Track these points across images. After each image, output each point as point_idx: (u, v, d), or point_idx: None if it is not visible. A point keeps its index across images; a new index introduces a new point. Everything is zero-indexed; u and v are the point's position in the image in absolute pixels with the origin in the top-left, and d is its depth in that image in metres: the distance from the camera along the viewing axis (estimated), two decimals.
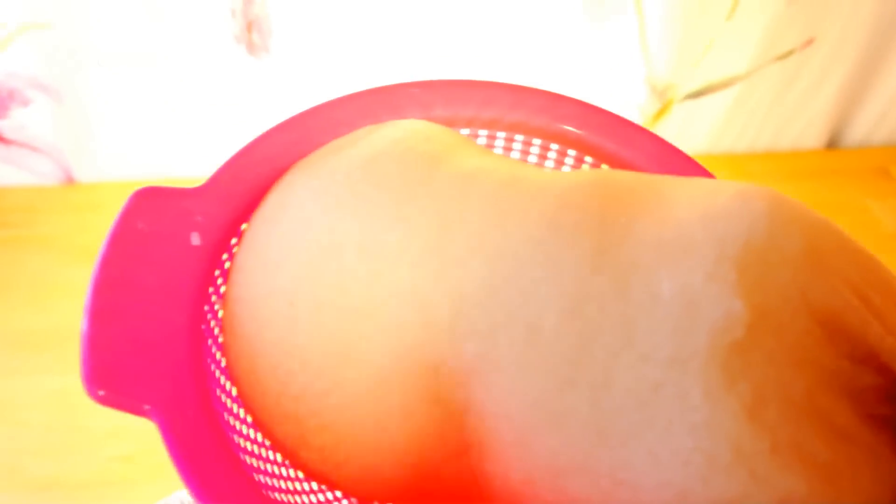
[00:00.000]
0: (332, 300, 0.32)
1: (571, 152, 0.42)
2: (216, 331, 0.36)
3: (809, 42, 0.72)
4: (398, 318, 0.31)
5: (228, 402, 0.35)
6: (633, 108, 0.73)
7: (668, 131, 0.77)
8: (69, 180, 0.73)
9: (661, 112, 0.75)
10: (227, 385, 0.36)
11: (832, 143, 0.84)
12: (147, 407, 0.31)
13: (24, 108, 0.67)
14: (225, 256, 0.37)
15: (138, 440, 0.56)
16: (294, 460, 0.34)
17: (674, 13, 0.67)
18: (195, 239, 0.36)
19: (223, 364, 0.36)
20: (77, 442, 0.56)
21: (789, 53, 0.73)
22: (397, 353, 0.31)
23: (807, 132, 0.81)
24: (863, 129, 0.82)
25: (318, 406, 0.33)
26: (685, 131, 0.78)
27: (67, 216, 0.69)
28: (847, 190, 0.77)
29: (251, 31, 0.64)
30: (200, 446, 0.31)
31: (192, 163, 0.72)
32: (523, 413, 0.30)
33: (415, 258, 0.32)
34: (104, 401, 0.31)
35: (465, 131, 0.42)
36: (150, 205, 0.36)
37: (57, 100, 0.67)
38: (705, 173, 0.38)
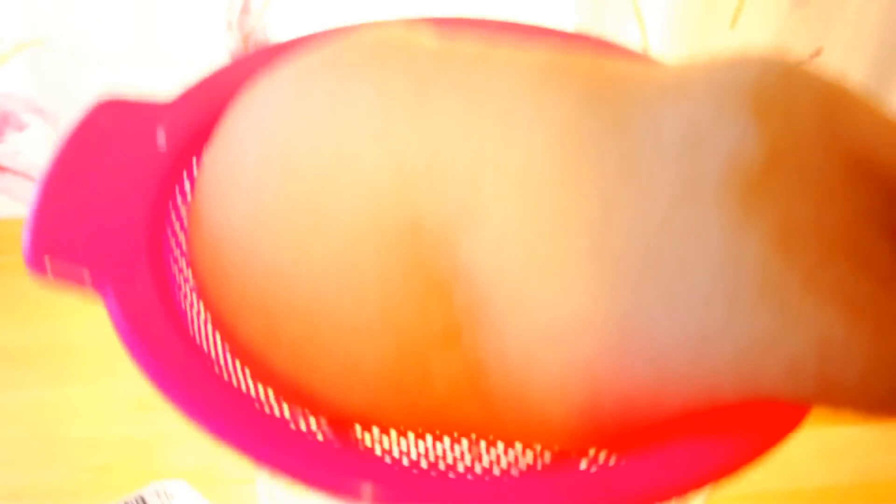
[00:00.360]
0: (302, 165, 0.29)
1: None
2: (180, 237, 0.33)
3: (818, 52, 0.71)
4: (372, 169, 0.28)
5: (190, 297, 0.32)
6: None
7: None
8: None
9: None
10: (188, 289, 0.33)
11: None
12: (87, 273, 0.28)
13: (19, 132, 0.66)
14: (194, 161, 0.34)
15: (116, 450, 0.53)
16: (261, 371, 0.31)
17: (676, 22, 0.66)
18: (161, 140, 0.34)
19: (185, 267, 0.33)
20: (53, 452, 0.53)
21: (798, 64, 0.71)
22: (372, 213, 0.28)
23: None
24: None
25: (287, 288, 0.29)
26: None
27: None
28: None
29: (247, 44, 0.64)
30: (153, 326, 0.28)
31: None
32: (517, 265, 0.27)
33: (390, 108, 0.29)
34: (49, 271, 0.28)
35: None
36: (115, 109, 0.34)
37: (53, 124, 0.66)
38: None
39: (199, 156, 0.35)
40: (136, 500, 0.45)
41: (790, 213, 0.25)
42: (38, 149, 0.68)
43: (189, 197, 0.34)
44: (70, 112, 0.66)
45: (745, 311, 0.24)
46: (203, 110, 0.36)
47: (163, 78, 0.65)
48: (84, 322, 0.60)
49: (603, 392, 0.26)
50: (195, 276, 0.32)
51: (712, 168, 0.25)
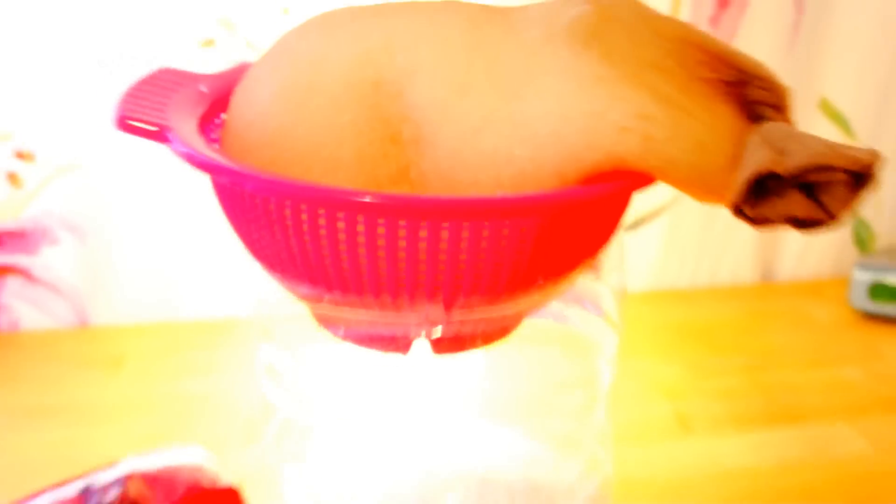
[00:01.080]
0: (300, 59, 0.43)
1: None
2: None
3: None
4: (346, 51, 0.42)
5: None
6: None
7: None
8: (82, 323, 0.82)
9: None
10: None
11: (766, 276, 0.96)
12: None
13: (53, 247, 0.79)
14: None
15: None
16: None
17: None
18: (202, 87, 0.48)
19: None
20: None
21: None
22: (346, 79, 0.42)
23: (740, 265, 0.93)
24: (791, 261, 0.95)
25: (292, 140, 0.42)
26: (632, 268, 0.90)
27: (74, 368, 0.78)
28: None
29: None
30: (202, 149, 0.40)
31: (201, 304, 0.82)
32: (443, 94, 0.41)
33: (360, 17, 0.44)
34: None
35: None
36: (167, 71, 0.48)
37: (82, 240, 0.79)
38: None
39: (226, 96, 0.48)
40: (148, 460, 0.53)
41: (613, 47, 0.40)
42: (67, 264, 0.80)
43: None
44: (97, 229, 0.79)
45: (587, 95, 0.38)
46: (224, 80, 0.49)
47: (178, 215, 0.79)
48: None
49: (502, 167, 0.39)
50: (227, 134, 0.44)
51: (562, 27, 0.40)
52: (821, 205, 0.36)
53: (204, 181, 0.59)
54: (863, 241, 0.96)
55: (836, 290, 0.91)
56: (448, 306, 0.40)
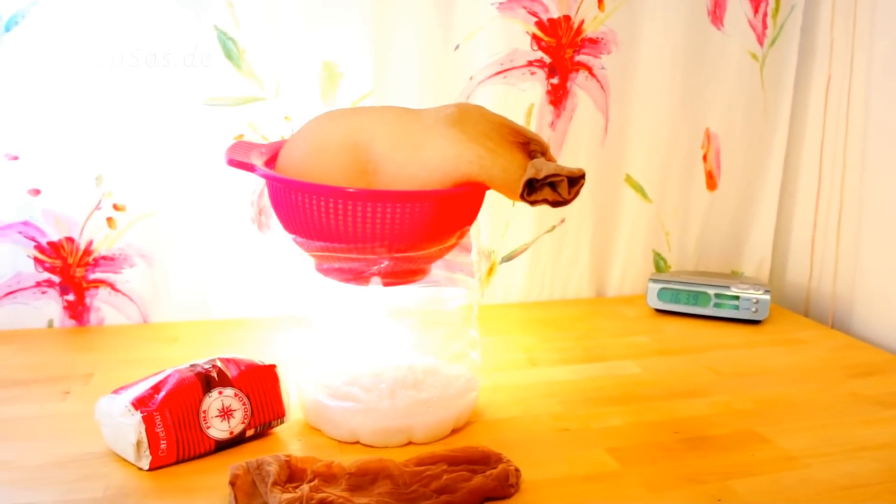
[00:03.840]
0: (314, 141, 0.82)
1: None
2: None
3: (562, 221, 1.29)
4: (341, 131, 0.82)
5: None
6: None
7: (498, 286, 1.29)
8: (145, 321, 1.18)
9: (490, 271, 1.28)
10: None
11: (600, 293, 1.36)
12: (249, 165, 0.81)
13: (130, 269, 1.16)
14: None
15: None
16: None
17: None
18: (262, 150, 0.88)
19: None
20: None
21: (553, 228, 1.29)
22: (341, 143, 0.80)
23: (581, 286, 1.33)
24: (616, 283, 1.36)
25: (312, 172, 0.81)
26: (508, 286, 1.29)
27: (144, 344, 1.11)
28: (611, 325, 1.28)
29: (261, 216, 1.18)
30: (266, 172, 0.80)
31: (227, 308, 1.19)
32: (387, 148, 0.80)
33: (346, 116, 0.84)
34: (233, 163, 0.81)
35: None
36: (241, 142, 0.88)
37: (149, 264, 1.17)
38: None
39: (274, 155, 0.88)
40: None
41: (466, 126, 0.79)
42: (140, 281, 1.16)
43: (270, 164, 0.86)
44: (162, 259, 1.16)
45: (453, 148, 0.78)
46: (272, 147, 0.89)
47: (213, 243, 1.17)
48: None
49: (415, 182, 0.78)
50: (278, 169, 0.84)
51: (442, 117, 0.80)
52: (558, 193, 0.77)
53: (231, 230, 0.99)
54: (661, 269, 1.38)
55: (641, 300, 1.32)
56: (390, 250, 0.79)
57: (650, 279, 1.26)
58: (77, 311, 1.15)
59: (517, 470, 0.75)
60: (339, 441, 0.84)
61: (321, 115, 0.84)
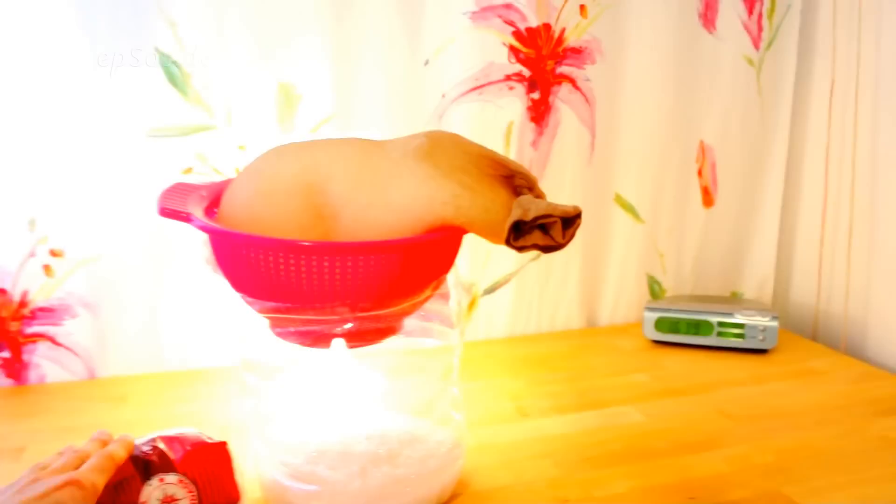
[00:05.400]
0: (260, 182, 0.69)
1: None
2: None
3: None
4: (292, 169, 0.68)
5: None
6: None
7: (480, 321, 1.15)
8: (92, 376, 1.04)
9: (472, 305, 1.14)
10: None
11: (591, 323, 1.23)
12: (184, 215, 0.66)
13: (73, 319, 1.02)
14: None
15: None
16: None
17: None
18: (203, 192, 0.73)
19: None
20: None
21: (538, 255, 1.15)
22: (292, 184, 0.67)
23: (571, 316, 1.20)
24: (608, 312, 1.22)
25: (258, 221, 0.67)
26: (491, 320, 1.16)
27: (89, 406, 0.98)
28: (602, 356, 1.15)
29: None
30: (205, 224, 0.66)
31: (180, 359, 1.05)
32: (347, 189, 0.66)
33: (299, 151, 0.70)
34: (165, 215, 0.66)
35: None
36: (179, 184, 0.74)
37: (95, 315, 1.02)
38: None
39: (217, 197, 0.74)
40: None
41: (438, 160, 0.66)
42: (84, 333, 1.02)
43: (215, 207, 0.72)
44: (108, 307, 1.02)
45: (424, 186, 0.64)
46: (215, 188, 0.75)
47: (167, 294, 1.03)
48: None
49: (380, 228, 0.64)
50: (221, 216, 0.69)
51: (410, 150, 0.66)
52: (550, 237, 0.63)
53: (182, 273, 0.84)
54: (656, 293, 1.25)
55: (636, 329, 1.19)
56: (353, 308, 0.65)
57: (646, 308, 1.13)
58: (14, 368, 1.00)
59: None
60: None
61: (269, 151, 0.70)
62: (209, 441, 0.71)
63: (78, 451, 0.65)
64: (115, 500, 0.64)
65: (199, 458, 0.69)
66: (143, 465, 0.67)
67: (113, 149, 0.97)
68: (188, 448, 0.69)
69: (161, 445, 0.70)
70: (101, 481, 0.61)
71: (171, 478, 0.67)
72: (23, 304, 0.99)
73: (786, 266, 1.27)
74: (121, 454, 0.65)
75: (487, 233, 0.65)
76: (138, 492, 0.66)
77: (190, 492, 0.67)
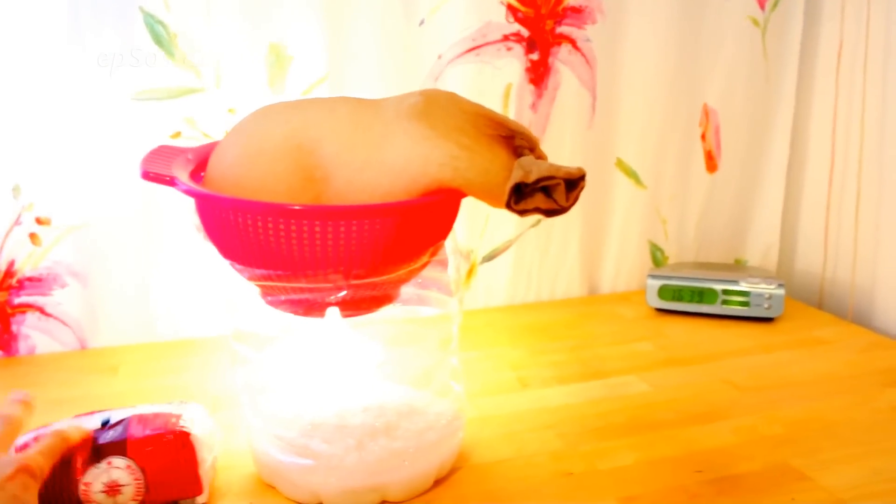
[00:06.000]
0: (247, 144, 0.64)
1: None
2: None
3: None
4: (281, 130, 0.63)
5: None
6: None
7: (479, 289, 1.11)
8: (83, 347, 1.00)
9: (470, 273, 1.10)
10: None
11: (592, 291, 1.19)
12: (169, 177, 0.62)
13: (62, 289, 0.98)
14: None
15: None
16: None
17: None
18: (189, 156, 0.69)
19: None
20: None
21: (538, 222, 1.11)
22: (281, 145, 0.63)
23: (572, 284, 1.16)
24: (609, 279, 1.19)
25: (244, 184, 0.63)
26: (491, 288, 1.12)
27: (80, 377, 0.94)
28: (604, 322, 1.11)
29: None
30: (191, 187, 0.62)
31: (177, 324, 1.02)
32: (338, 150, 0.62)
33: (288, 111, 0.66)
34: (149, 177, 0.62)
35: None
36: (164, 147, 0.70)
37: (84, 284, 0.98)
38: None
39: (204, 160, 0.70)
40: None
41: (434, 119, 0.61)
42: (74, 303, 0.98)
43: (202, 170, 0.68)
44: (98, 276, 0.98)
45: (419, 147, 0.60)
46: (202, 150, 0.71)
47: (156, 265, 0.99)
48: None
49: (374, 191, 0.60)
50: (207, 180, 0.65)
51: (404, 108, 0.62)
52: (553, 200, 0.59)
53: (174, 240, 0.80)
54: (658, 261, 1.21)
55: (639, 297, 1.15)
56: (346, 276, 0.61)
57: (649, 275, 1.10)
58: (3, 340, 0.97)
59: None
60: (299, 503, 0.67)
61: (256, 111, 0.66)
62: (173, 429, 0.65)
63: (3, 416, 0.60)
64: (61, 479, 0.61)
65: (153, 445, 0.64)
66: (95, 447, 0.63)
67: (98, 112, 0.92)
68: (146, 433, 0.65)
69: (132, 423, 0.66)
70: (48, 465, 0.58)
71: (120, 462, 0.63)
72: (9, 273, 0.95)
73: (791, 233, 1.23)
74: (74, 437, 0.61)
75: (487, 196, 0.61)
76: (84, 471, 0.63)
77: (136, 479, 0.63)
